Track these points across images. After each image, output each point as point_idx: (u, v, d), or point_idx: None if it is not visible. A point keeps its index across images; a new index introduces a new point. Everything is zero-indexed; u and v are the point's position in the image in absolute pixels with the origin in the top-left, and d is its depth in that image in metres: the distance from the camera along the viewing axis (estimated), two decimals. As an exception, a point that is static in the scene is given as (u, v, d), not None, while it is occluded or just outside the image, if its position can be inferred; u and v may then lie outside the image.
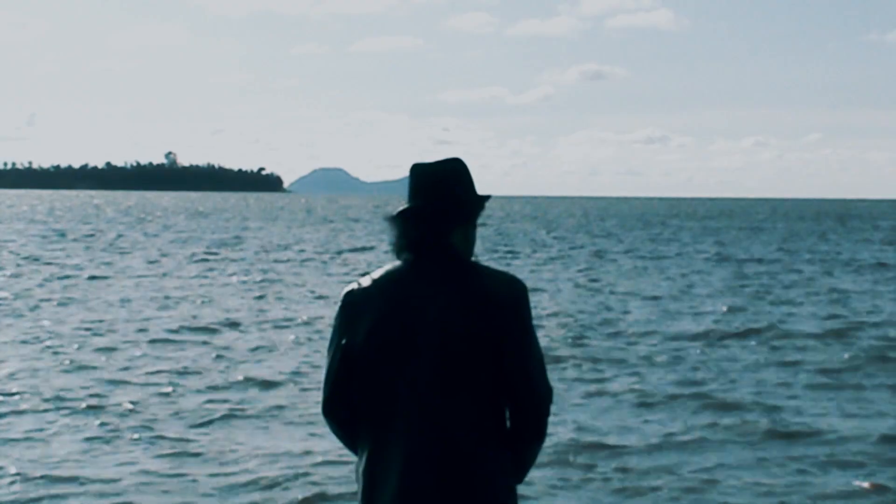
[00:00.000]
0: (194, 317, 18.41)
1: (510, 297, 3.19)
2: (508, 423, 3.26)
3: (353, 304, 3.27)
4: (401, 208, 3.29)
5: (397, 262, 3.31)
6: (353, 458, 3.37)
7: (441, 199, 3.26)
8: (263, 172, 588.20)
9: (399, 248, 3.29)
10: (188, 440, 9.67)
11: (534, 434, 3.25)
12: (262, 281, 25.83)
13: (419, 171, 3.31)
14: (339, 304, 3.33)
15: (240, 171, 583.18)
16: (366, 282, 3.30)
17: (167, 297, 21.48)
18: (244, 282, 25.56)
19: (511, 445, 3.24)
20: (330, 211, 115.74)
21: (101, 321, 17.61)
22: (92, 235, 49.63)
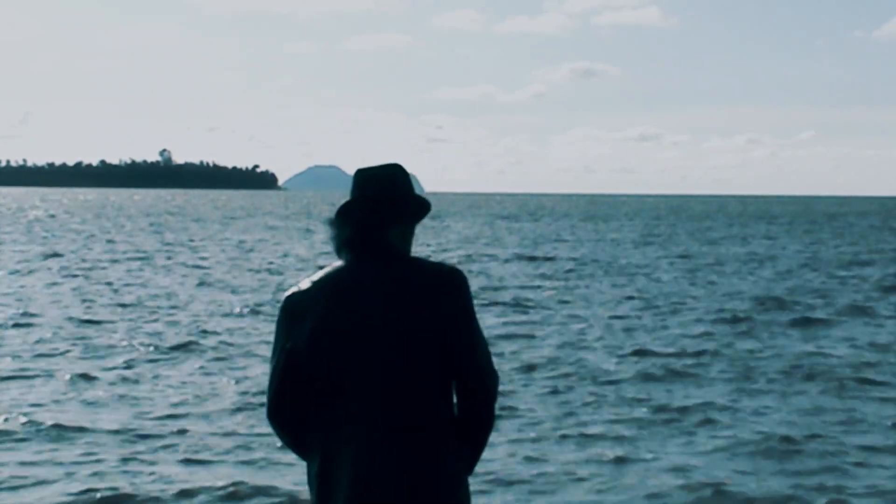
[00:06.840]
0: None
1: (451, 285, 3.24)
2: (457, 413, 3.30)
3: (294, 307, 3.27)
4: (339, 208, 3.35)
5: (336, 263, 3.34)
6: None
7: (379, 199, 3.35)
8: (258, 170, 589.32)
9: (339, 247, 3.34)
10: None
11: (483, 421, 3.28)
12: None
13: (360, 175, 3.41)
14: (279, 309, 3.34)
15: (234, 168, 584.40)
16: (305, 284, 3.32)
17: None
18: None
19: (462, 435, 3.28)
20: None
21: None
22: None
